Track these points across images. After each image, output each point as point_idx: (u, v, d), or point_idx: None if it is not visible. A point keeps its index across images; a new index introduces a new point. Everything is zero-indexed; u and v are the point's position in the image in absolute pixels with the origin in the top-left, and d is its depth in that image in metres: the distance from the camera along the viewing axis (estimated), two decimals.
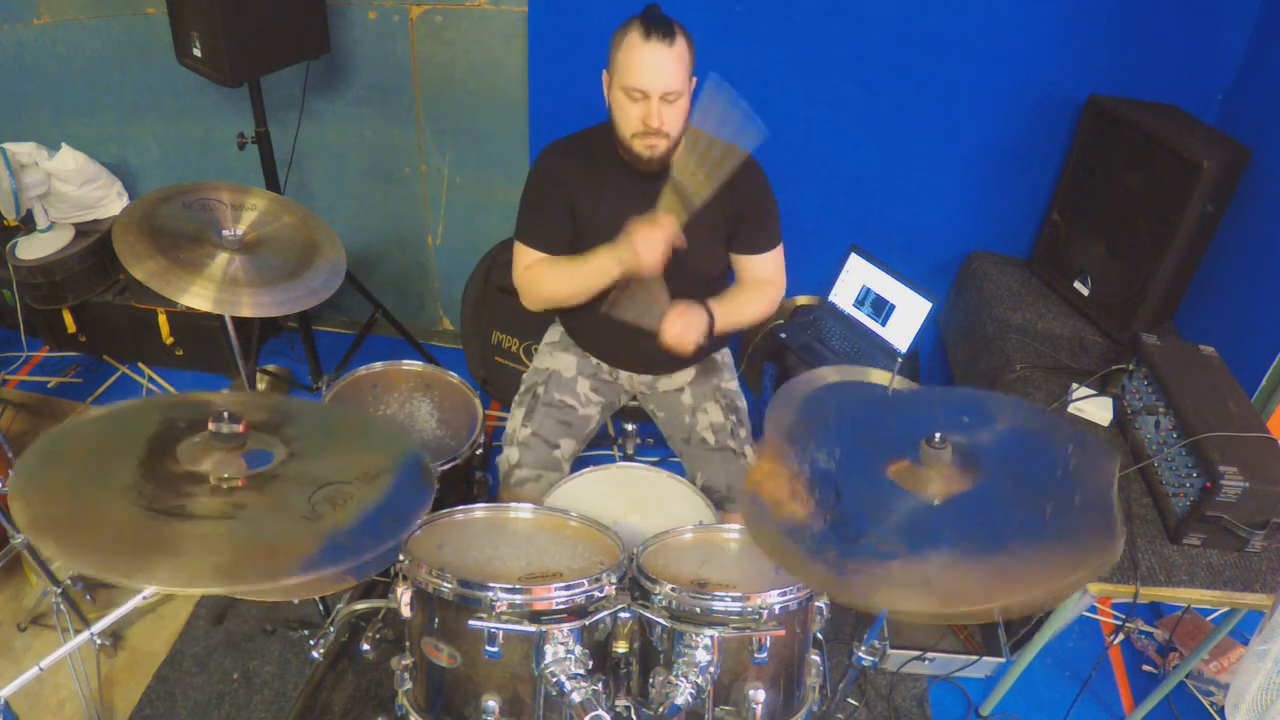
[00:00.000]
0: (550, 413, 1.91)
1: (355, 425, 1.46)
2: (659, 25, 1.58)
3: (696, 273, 1.85)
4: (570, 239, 1.81)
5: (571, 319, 2.02)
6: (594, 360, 2.01)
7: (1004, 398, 1.37)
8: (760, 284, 1.89)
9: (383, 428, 1.44)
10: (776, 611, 1.25)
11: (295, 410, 1.39)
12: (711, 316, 1.76)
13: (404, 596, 1.27)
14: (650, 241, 1.60)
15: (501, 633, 1.18)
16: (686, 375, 2.00)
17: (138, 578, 0.99)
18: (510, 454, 1.87)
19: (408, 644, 1.32)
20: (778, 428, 1.49)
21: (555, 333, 2.08)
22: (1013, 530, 1.09)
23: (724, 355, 2.05)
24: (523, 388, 1.98)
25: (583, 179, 1.77)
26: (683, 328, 1.70)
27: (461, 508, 1.42)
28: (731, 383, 2.02)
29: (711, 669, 1.24)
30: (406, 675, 1.32)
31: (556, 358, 2.00)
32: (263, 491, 1.14)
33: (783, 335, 2.57)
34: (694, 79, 1.68)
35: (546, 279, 1.80)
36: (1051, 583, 1.02)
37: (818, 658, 1.39)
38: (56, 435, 1.20)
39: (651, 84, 1.59)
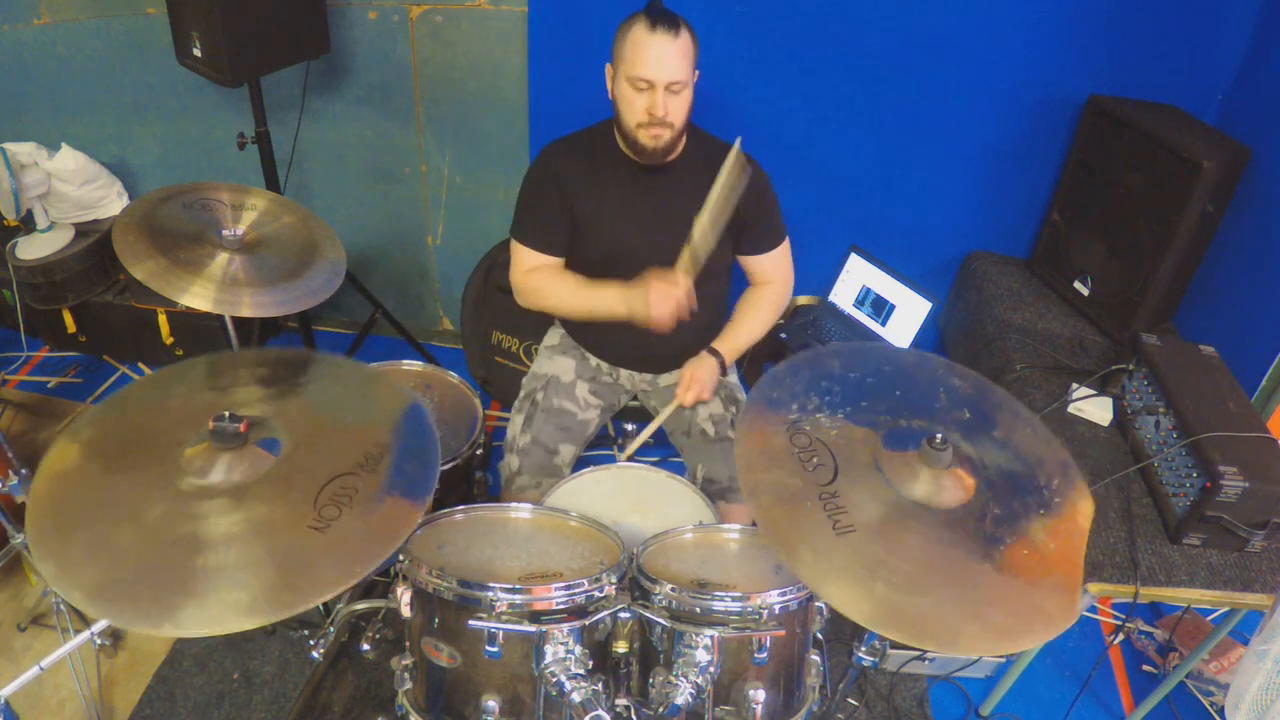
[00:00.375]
0: (549, 419, 1.91)
1: (354, 386, 1.46)
2: (664, 17, 1.61)
3: (701, 271, 1.85)
4: (567, 239, 1.82)
5: (572, 321, 2.02)
6: (593, 362, 2.01)
7: (1003, 394, 1.37)
8: (766, 286, 1.94)
9: (380, 389, 1.44)
10: (776, 611, 1.25)
11: (290, 370, 1.40)
12: (720, 358, 1.87)
13: (404, 596, 1.27)
14: (664, 298, 1.66)
15: (501, 633, 1.18)
16: None
17: (165, 626, 1.00)
18: (511, 461, 1.87)
19: (408, 644, 1.32)
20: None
21: (554, 335, 2.08)
22: (993, 573, 1.09)
23: None
24: (522, 393, 1.98)
25: (583, 177, 1.78)
26: (697, 391, 1.82)
27: (461, 508, 1.42)
28: (731, 375, 2.02)
29: (711, 669, 1.24)
30: (406, 675, 1.32)
31: (555, 361, 2.00)
32: (269, 501, 1.14)
33: (783, 335, 2.57)
34: (696, 72, 1.69)
35: (549, 292, 1.84)
36: (1014, 638, 1.05)
37: (818, 658, 1.38)
38: (62, 452, 1.20)
39: (657, 74, 1.61)
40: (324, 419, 1.31)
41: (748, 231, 1.86)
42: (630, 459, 1.83)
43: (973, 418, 1.30)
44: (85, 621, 1.98)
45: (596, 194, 1.78)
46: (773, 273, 1.93)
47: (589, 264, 1.84)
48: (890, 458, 1.22)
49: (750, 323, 1.93)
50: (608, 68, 1.71)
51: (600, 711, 1.16)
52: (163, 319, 2.83)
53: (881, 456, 1.22)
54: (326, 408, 1.35)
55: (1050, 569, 1.09)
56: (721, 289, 1.99)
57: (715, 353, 1.88)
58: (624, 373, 2.01)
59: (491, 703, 1.22)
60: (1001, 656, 2.08)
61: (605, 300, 1.77)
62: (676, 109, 1.65)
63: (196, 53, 2.19)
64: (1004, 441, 1.27)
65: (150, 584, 1.03)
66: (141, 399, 1.38)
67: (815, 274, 2.72)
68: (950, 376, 1.38)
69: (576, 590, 1.23)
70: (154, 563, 1.05)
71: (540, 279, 1.84)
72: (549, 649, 1.21)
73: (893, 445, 1.23)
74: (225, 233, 1.78)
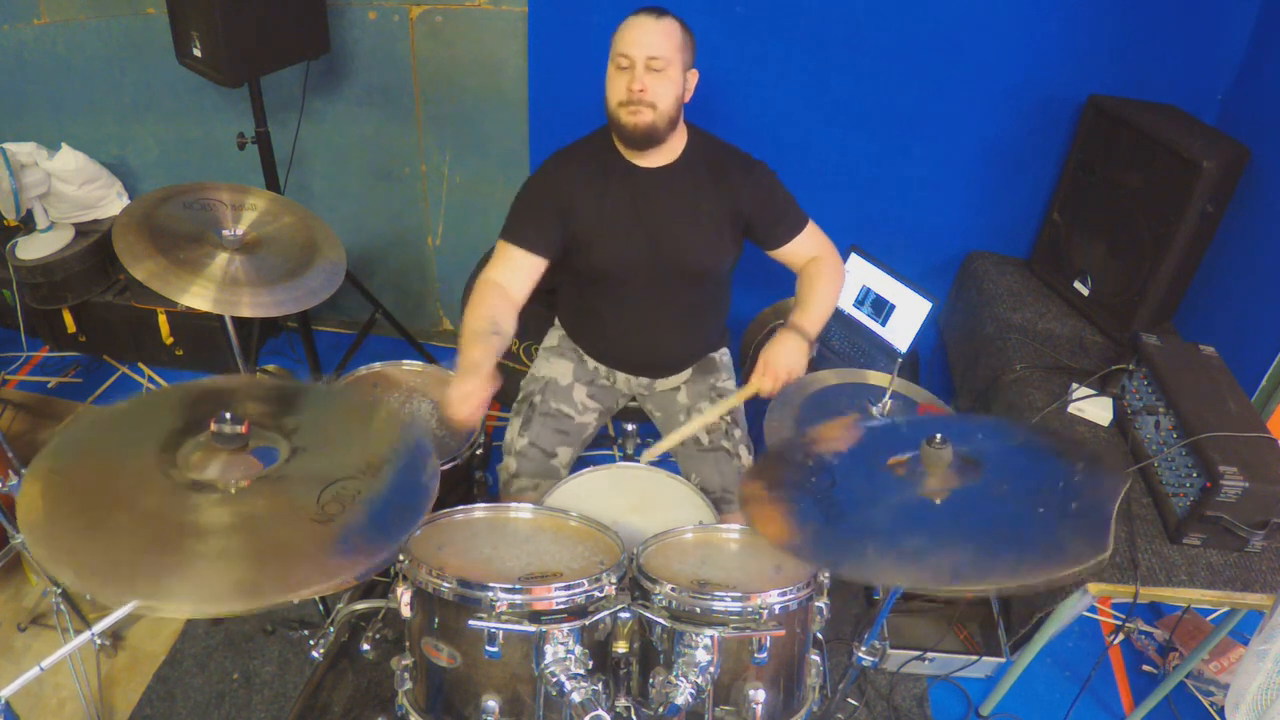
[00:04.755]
0: (547, 422, 1.91)
1: (353, 411, 1.45)
2: (651, 5, 1.65)
3: (697, 272, 1.85)
4: (557, 246, 1.78)
5: (572, 322, 2.02)
6: (591, 365, 2.01)
7: (1028, 429, 1.38)
8: (813, 261, 1.87)
9: (380, 412, 1.43)
10: (776, 611, 1.25)
11: (291, 395, 1.39)
12: (804, 333, 1.75)
13: (404, 596, 1.27)
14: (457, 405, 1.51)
15: (501, 633, 1.18)
16: (684, 375, 2.00)
17: (162, 606, 0.99)
18: (509, 463, 1.87)
19: (408, 644, 1.32)
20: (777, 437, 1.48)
21: (554, 337, 2.08)
22: (1002, 523, 1.09)
23: (722, 355, 2.05)
24: (520, 395, 1.98)
25: (584, 185, 1.77)
26: (774, 375, 1.68)
27: (461, 508, 1.42)
28: (729, 382, 2.01)
29: (711, 669, 1.24)
30: (406, 675, 1.32)
31: (553, 364, 2.00)
32: (270, 496, 1.14)
33: None
34: (695, 72, 1.70)
35: (470, 304, 1.74)
36: (1037, 571, 1.03)
37: (818, 658, 1.38)
38: (55, 450, 1.20)
39: (635, 49, 1.62)
40: (323, 436, 1.30)
41: (760, 229, 1.84)
42: (630, 459, 1.83)
43: (985, 436, 1.31)
44: (85, 621, 1.99)
45: (596, 200, 1.77)
46: (812, 249, 1.87)
47: (589, 270, 1.83)
48: (893, 461, 1.22)
49: (820, 294, 1.82)
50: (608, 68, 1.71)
51: (600, 711, 1.16)
52: (163, 319, 2.83)
53: (880, 461, 1.23)
54: (328, 426, 1.35)
55: (1070, 519, 1.09)
56: (719, 293, 1.98)
57: (794, 328, 1.75)
58: (621, 376, 2.01)
59: (491, 703, 1.22)
60: (1002, 656, 2.08)
61: (461, 351, 1.60)
62: (658, 87, 1.64)
63: (196, 53, 2.19)
64: (1021, 445, 1.28)
65: (146, 564, 1.02)
66: (136, 415, 1.37)
67: None
68: (961, 421, 1.39)
69: (576, 590, 1.23)
70: (149, 545, 1.05)
71: (480, 288, 1.74)
72: (549, 649, 1.21)
73: (891, 450, 1.24)
74: (225, 233, 1.78)
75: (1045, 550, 1.04)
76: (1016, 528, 1.08)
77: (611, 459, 1.85)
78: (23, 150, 2.63)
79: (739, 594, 1.26)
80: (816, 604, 1.34)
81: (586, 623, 1.23)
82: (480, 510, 1.43)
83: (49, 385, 2.88)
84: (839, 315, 2.65)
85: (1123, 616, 2.33)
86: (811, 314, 1.79)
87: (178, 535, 1.06)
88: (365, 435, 1.33)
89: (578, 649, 1.23)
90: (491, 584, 1.20)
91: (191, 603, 1.00)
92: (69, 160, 2.68)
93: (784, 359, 1.70)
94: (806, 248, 1.88)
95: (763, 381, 1.69)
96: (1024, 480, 1.18)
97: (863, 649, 1.45)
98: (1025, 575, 1.03)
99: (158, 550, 1.04)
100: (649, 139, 1.69)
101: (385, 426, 1.36)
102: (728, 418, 1.91)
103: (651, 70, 1.63)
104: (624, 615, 1.28)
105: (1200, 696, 2.16)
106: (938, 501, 1.15)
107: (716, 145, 1.83)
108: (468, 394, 1.49)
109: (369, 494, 1.16)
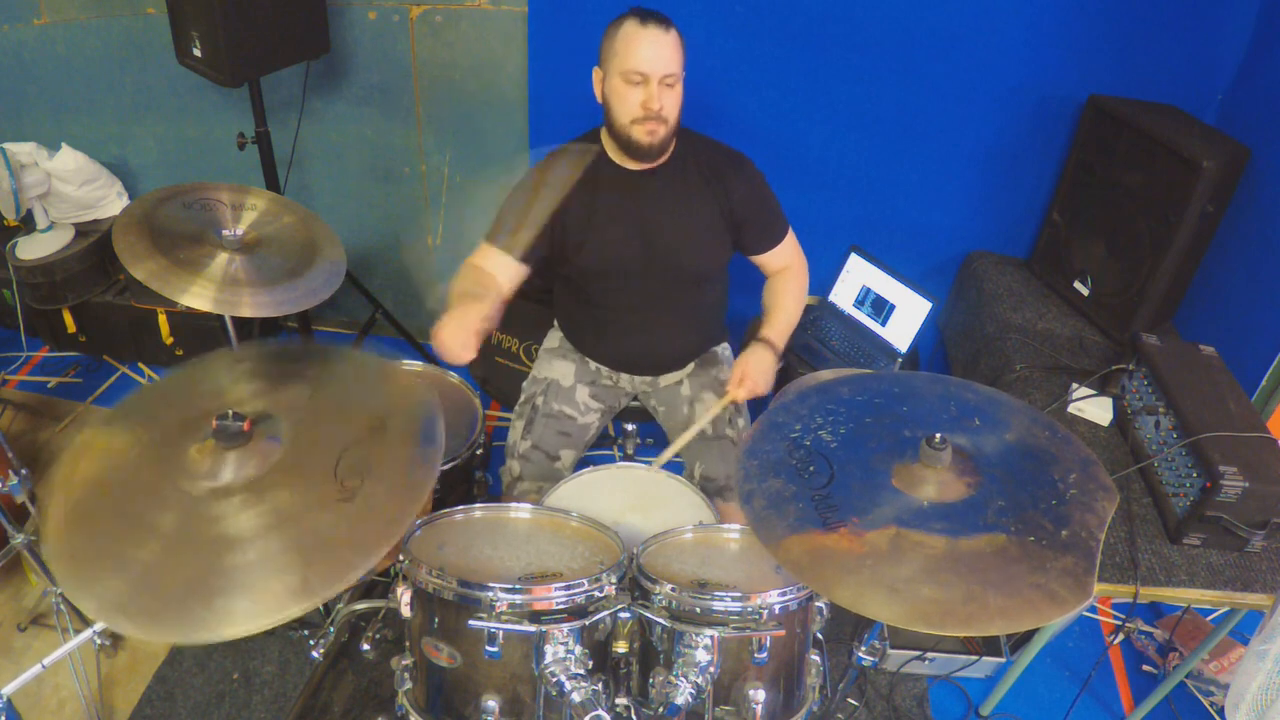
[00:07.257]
0: (550, 424, 1.91)
1: (339, 373, 1.43)
2: (654, 13, 1.63)
3: (694, 273, 1.85)
4: (543, 251, 1.79)
5: (570, 325, 2.02)
6: (593, 365, 2.01)
7: (1021, 405, 1.36)
8: (784, 270, 1.94)
9: (361, 365, 1.42)
10: (776, 611, 1.25)
11: (273, 365, 1.39)
12: (773, 346, 1.83)
13: (404, 596, 1.27)
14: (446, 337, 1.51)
15: (501, 633, 1.18)
16: (686, 369, 2.00)
17: (224, 629, 0.97)
18: (512, 466, 1.87)
19: (408, 644, 1.32)
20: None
21: (554, 338, 2.08)
22: (990, 555, 1.09)
23: (724, 349, 2.06)
24: (522, 398, 1.98)
25: (574, 188, 1.77)
26: (750, 387, 1.78)
27: (461, 508, 1.42)
28: (726, 374, 2.01)
29: (711, 669, 1.24)
30: (406, 675, 1.32)
31: (555, 365, 2.00)
32: (288, 486, 1.13)
33: None
34: (683, 74, 1.69)
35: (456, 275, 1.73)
36: (1012, 619, 1.04)
37: (818, 658, 1.38)
38: (62, 486, 1.17)
39: (651, 66, 1.61)
40: (316, 403, 1.30)
41: (749, 232, 1.85)
42: (630, 459, 1.83)
43: (983, 424, 1.30)
44: (85, 621, 1.98)
45: (587, 203, 1.77)
46: (786, 259, 1.93)
47: (582, 272, 1.83)
48: (888, 460, 1.22)
49: (786, 306, 1.91)
50: (595, 71, 1.70)
51: (600, 711, 1.16)
52: (163, 319, 2.83)
53: (879, 460, 1.23)
54: (317, 392, 1.34)
55: (1060, 554, 1.08)
56: (717, 292, 1.99)
57: (765, 342, 1.83)
58: (624, 376, 2.01)
59: (491, 703, 1.22)
60: (1002, 656, 2.08)
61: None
62: (670, 104, 1.65)
63: (196, 53, 2.19)
64: (1015, 443, 1.27)
65: (196, 592, 1.00)
66: (138, 411, 1.36)
67: (815, 274, 2.67)
68: (964, 392, 1.38)
69: (576, 590, 1.23)
70: (189, 572, 1.03)
71: (464, 269, 1.76)
72: (549, 649, 1.21)
73: (892, 449, 1.24)
74: (225, 233, 1.78)
75: (1032, 598, 1.04)
76: (1008, 565, 1.08)
77: (612, 459, 1.85)
78: (23, 150, 2.63)
79: (739, 594, 1.26)
80: (816, 604, 1.34)
81: (586, 623, 1.23)
82: (480, 510, 1.43)
83: (49, 385, 2.88)
84: (839, 315, 2.65)
85: (1123, 616, 2.33)
86: (780, 328, 1.88)
87: (214, 552, 1.04)
88: (358, 394, 1.32)
89: (578, 649, 1.22)
90: (491, 584, 1.19)
91: (252, 620, 0.96)
92: (69, 160, 2.68)
93: (757, 372, 1.78)
94: (785, 256, 1.93)
95: (738, 392, 1.79)
96: (1019, 492, 1.18)
97: (863, 649, 1.44)
98: (1012, 622, 1.04)
99: (201, 574, 1.02)
100: (661, 153, 1.71)
101: (377, 380, 1.35)
102: (731, 407, 1.92)
103: (665, 86, 1.63)
104: (624, 615, 1.28)
105: (1200, 696, 2.16)
106: (925, 504, 1.16)
107: (706, 144, 1.83)
108: (457, 322, 1.48)
109: (381, 456, 1.15)
